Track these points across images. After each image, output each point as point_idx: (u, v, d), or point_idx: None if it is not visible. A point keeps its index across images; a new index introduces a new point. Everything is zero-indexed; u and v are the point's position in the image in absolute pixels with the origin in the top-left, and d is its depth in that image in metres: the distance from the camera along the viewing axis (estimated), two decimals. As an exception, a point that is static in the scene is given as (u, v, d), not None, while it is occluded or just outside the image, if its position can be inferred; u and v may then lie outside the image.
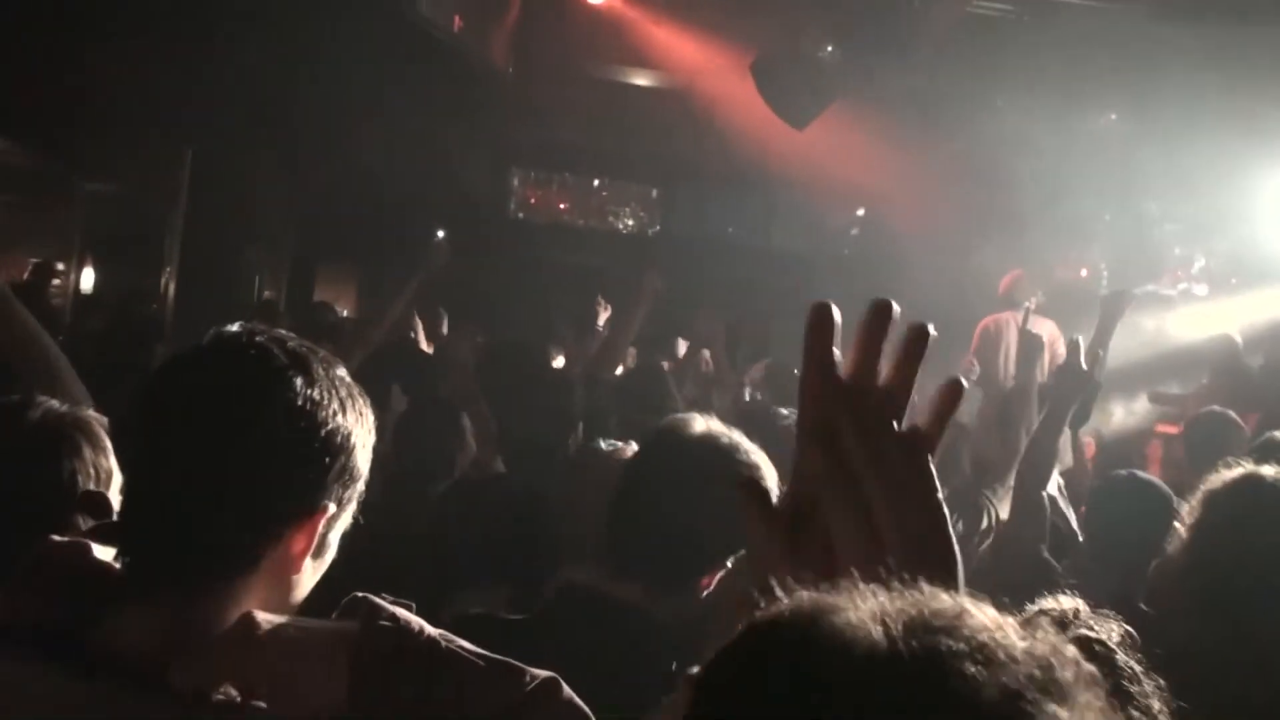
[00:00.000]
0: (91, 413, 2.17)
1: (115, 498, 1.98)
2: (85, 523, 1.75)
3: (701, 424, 2.35)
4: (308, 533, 1.42)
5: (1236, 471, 2.44)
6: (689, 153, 11.58)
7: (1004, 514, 4.10)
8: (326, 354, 1.49)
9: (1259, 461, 2.50)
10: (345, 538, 1.52)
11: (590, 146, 12.25)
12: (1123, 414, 7.32)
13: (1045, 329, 8.63)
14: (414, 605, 1.40)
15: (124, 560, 1.42)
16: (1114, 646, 1.21)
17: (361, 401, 1.49)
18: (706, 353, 6.99)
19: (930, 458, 0.98)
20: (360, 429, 1.47)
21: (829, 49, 8.62)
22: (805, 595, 0.73)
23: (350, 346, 4.49)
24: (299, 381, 1.41)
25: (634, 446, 2.90)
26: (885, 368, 1.00)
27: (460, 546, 3.45)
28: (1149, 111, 9.17)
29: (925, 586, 0.73)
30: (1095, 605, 1.18)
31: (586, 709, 1.39)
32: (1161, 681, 1.20)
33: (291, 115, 9.56)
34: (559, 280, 11.23)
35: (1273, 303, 8.15)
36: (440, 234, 5.98)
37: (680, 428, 2.36)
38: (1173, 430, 6.62)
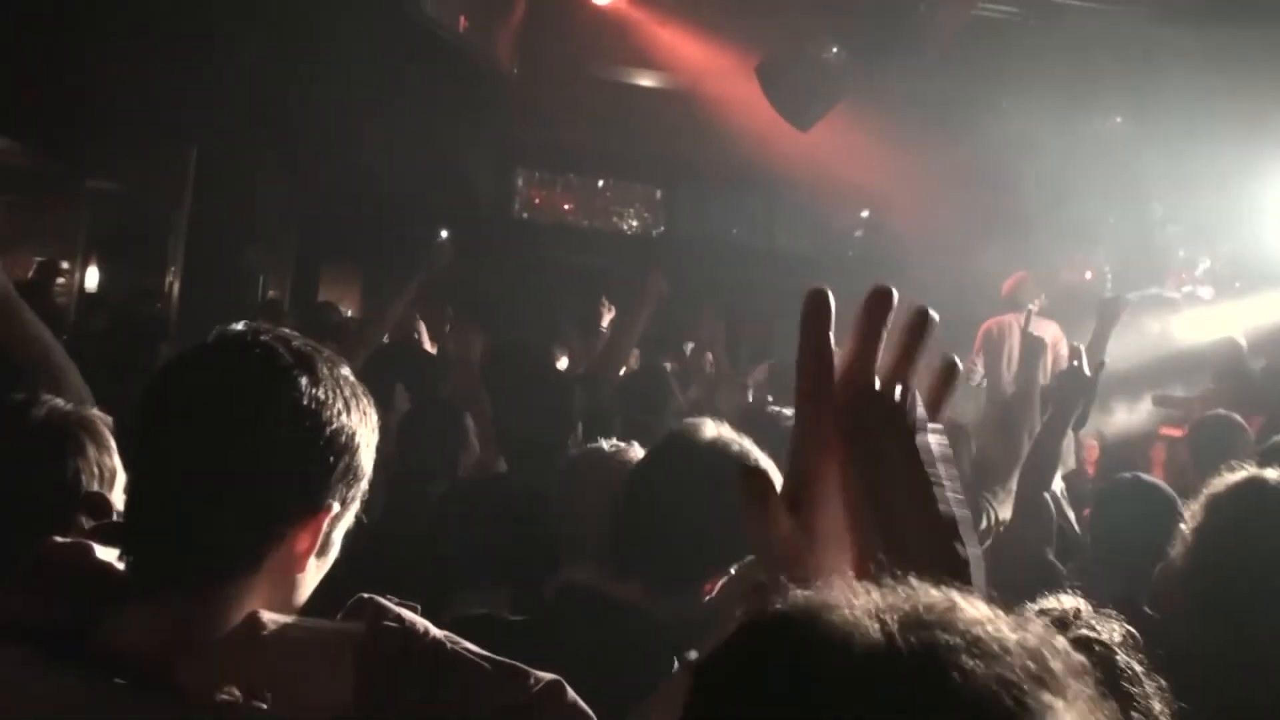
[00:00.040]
0: (96, 412, 2.18)
1: (119, 497, 1.98)
2: (87, 523, 1.75)
3: (712, 429, 2.35)
4: (312, 532, 1.43)
5: (1239, 475, 2.44)
6: (693, 154, 11.58)
7: (1004, 516, 4.10)
8: (331, 353, 1.49)
9: (1263, 465, 2.50)
10: (347, 537, 1.52)
11: (595, 147, 12.25)
12: (1126, 416, 7.31)
13: (1049, 331, 8.63)
14: (419, 607, 1.39)
15: (127, 559, 1.42)
16: (1114, 647, 1.20)
17: (365, 401, 1.49)
18: (710, 355, 6.99)
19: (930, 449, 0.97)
20: (364, 428, 1.47)
21: (834, 50, 8.61)
22: (800, 593, 0.73)
23: (353, 346, 4.50)
24: (304, 381, 1.41)
25: (636, 447, 2.91)
26: (886, 357, 0.97)
27: (461, 546, 3.45)
28: (1153, 114, 9.17)
29: (915, 582, 0.73)
30: (1099, 607, 1.18)
31: (590, 712, 1.38)
32: (1163, 682, 1.19)
33: (296, 114, 9.57)
34: (563, 281, 11.23)
35: (1276, 305, 8.14)
36: (444, 234, 5.97)
37: (691, 432, 2.37)
38: (1176, 433, 6.60)
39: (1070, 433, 5.01)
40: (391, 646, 1.32)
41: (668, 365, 6.92)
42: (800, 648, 0.70)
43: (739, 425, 2.48)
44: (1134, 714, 1.09)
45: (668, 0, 9.88)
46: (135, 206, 10.85)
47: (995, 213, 10.18)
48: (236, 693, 1.27)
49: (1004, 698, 0.65)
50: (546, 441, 4.12)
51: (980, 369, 8.69)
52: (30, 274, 9.71)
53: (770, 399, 5.85)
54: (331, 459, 1.42)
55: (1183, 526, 2.43)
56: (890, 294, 0.97)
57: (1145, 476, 4.00)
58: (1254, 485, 2.40)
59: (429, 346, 7.29)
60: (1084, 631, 1.28)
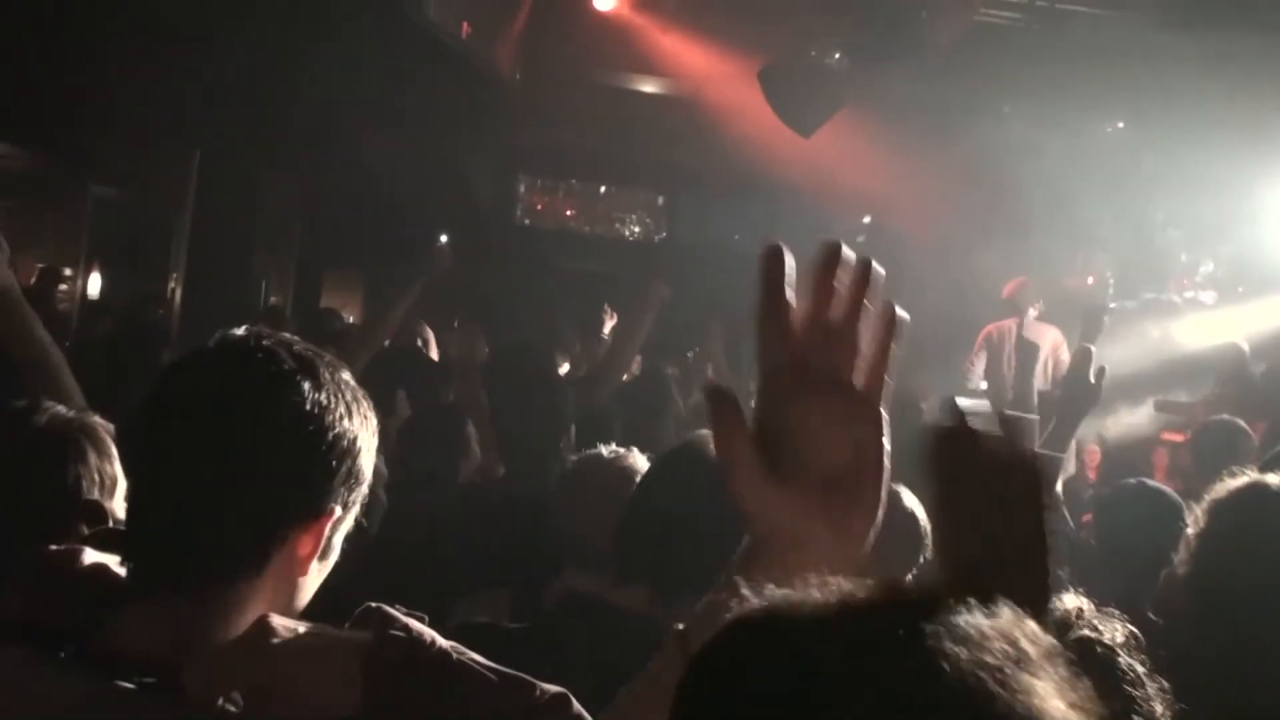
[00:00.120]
0: (97, 419, 2.18)
1: (120, 505, 1.99)
2: (85, 531, 1.75)
3: None
4: (314, 536, 1.43)
5: (1241, 480, 2.44)
6: (695, 159, 11.58)
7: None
8: (331, 358, 1.49)
9: (1266, 471, 2.50)
10: (349, 542, 1.52)
11: (597, 153, 12.26)
12: (1128, 421, 7.31)
13: (1050, 336, 8.65)
14: (426, 617, 1.39)
15: (128, 562, 1.42)
16: (1116, 648, 1.21)
17: (366, 405, 1.49)
18: (710, 366, 6.98)
19: (878, 405, 1.03)
20: (365, 432, 1.47)
21: (836, 56, 8.63)
22: (780, 590, 0.75)
23: (355, 351, 4.49)
24: (306, 385, 1.41)
25: (635, 452, 2.91)
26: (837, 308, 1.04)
27: (461, 552, 3.45)
28: (1154, 119, 9.18)
29: (891, 577, 0.76)
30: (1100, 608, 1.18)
31: None
32: (1165, 684, 1.20)
33: (298, 120, 9.57)
34: (564, 287, 11.23)
35: (1278, 310, 8.15)
36: (443, 238, 5.96)
37: (702, 443, 2.37)
38: (1178, 438, 6.61)
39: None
40: (398, 656, 1.32)
41: (671, 371, 6.91)
42: (787, 644, 0.71)
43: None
44: (1135, 716, 1.09)
45: (670, 6, 9.89)
46: (138, 211, 10.84)
47: (997, 218, 10.19)
48: (237, 697, 1.27)
49: (988, 681, 0.67)
50: (539, 443, 4.12)
51: (979, 370, 8.70)
52: (32, 280, 9.71)
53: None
54: (334, 463, 1.42)
55: (1188, 531, 2.42)
56: (839, 247, 1.04)
57: (1150, 482, 4.00)
58: (1256, 490, 2.40)
59: (434, 353, 7.29)
60: (1086, 632, 1.28)
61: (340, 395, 1.44)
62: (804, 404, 1.02)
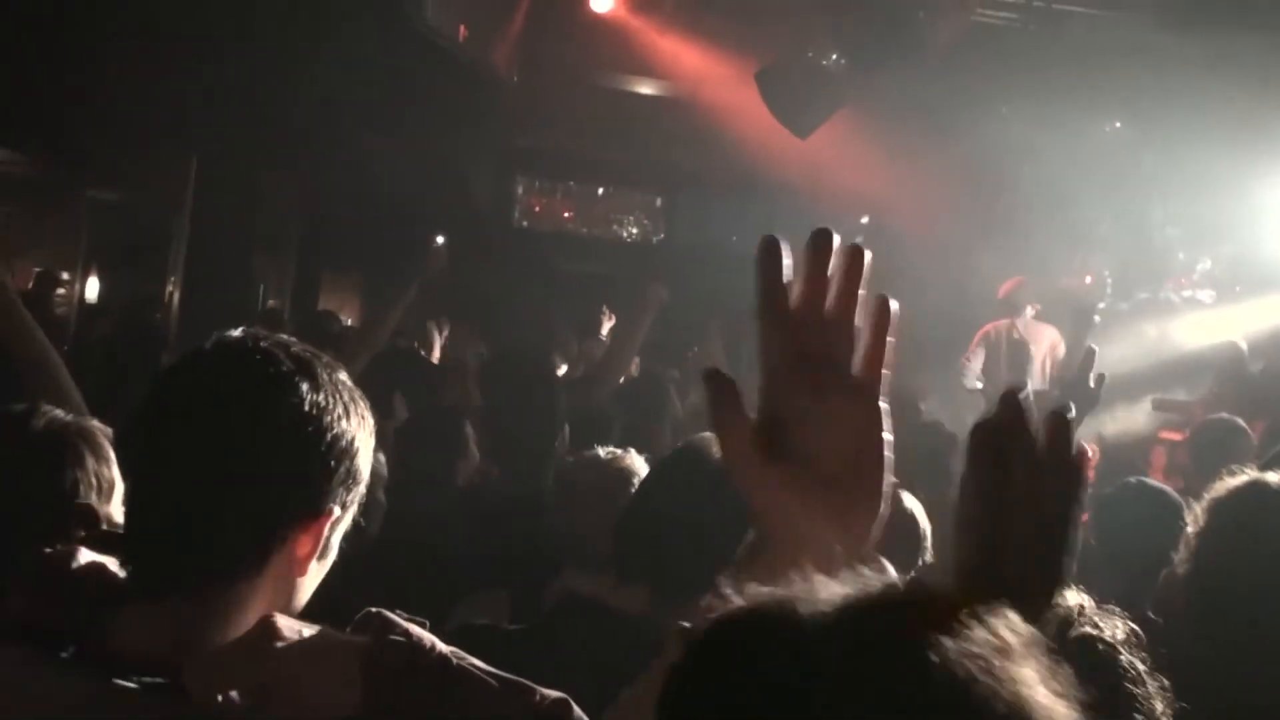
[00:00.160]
0: (95, 422, 2.17)
1: (117, 508, 1.98)
2: (79, 534, 1.75)
3: None
4: (313, 536, 1.43)
5: (1241, 478, 2.43)
6: (693, 161, 11.58)
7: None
8: (329, 358, 1.50)
9: (1265, 470, 2.50)
10: (349, 544, 1.52)
11: (594, 154, 12.26)
12: (1127, 420, 7.31)
13: (1047, 335, 8.66)
14: (428, 622, 1.40)
15: (128, 563, 1.43)
16: (1118, 646, 1.21)
17: (363, 405, 1.50)
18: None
19: (877, 397, 1.02)
20: (363, 433, 1.48)
21: (834, 57, 8.63)
22: (763, 590, 0.75)
23: (353, 353, 4.49)
24: (305, 386, 1.41)
25: (633, 453, 2.92)
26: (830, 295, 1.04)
27: (460, 554, 3.45)
28: (1153, 119, 9.18)
29: (871, 572, 0.76)
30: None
31: None
32: (1165, 682, 1.20)
33: (296, 122, 9.57)
34: (562, 288, 11.23)
35: (1276, 309, 8.15)
36: (439, 239, 5.96)
37: (703, 445, 2.37)
38: (1176, 437, 6.61)
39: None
40: (398, 660, 1.32)
41: (675, 373, 6.92)
42: (776, 641, 0.71)
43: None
44: (1137, 714, 1.10)
45: (667, 8, 9.90)
46: (136, 215, 10.85)
47: (995, 218, 10.20)
48: (235, 696, 1.27)
49: (973, 670, 0.68)
50: (535, 443, 4.12)
51: (975, 367, 8.72)
52: (29, 285, 9.70)
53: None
54: (332, 463, 1.42)
55: (1188, 530, 2.42)
56: (829, 234, 1.04)
57: (1150, 481, 4.00)
58: (1256, 489, 2.39)
59: (437, 354, 7.32)
60: (1087, 630, 1.27)
61: (338, 396, 1.45)
62: (803, 397, 1.01)
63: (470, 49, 8.97)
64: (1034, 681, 0.69)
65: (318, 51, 8.42)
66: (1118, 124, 9.99)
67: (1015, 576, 0.88)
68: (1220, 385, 6.81)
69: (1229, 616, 2.25)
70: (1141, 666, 1.29)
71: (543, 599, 2.63)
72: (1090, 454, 6.51)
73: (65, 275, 10.71)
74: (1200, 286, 9.72)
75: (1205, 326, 8.25)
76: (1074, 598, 1.37)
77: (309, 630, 1.35)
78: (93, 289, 11.20)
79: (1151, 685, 1.27)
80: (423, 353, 7.27)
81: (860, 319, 1.04)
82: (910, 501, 2.96)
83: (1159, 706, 1.26)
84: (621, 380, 5.63)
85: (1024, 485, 0.93)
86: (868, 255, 1.04)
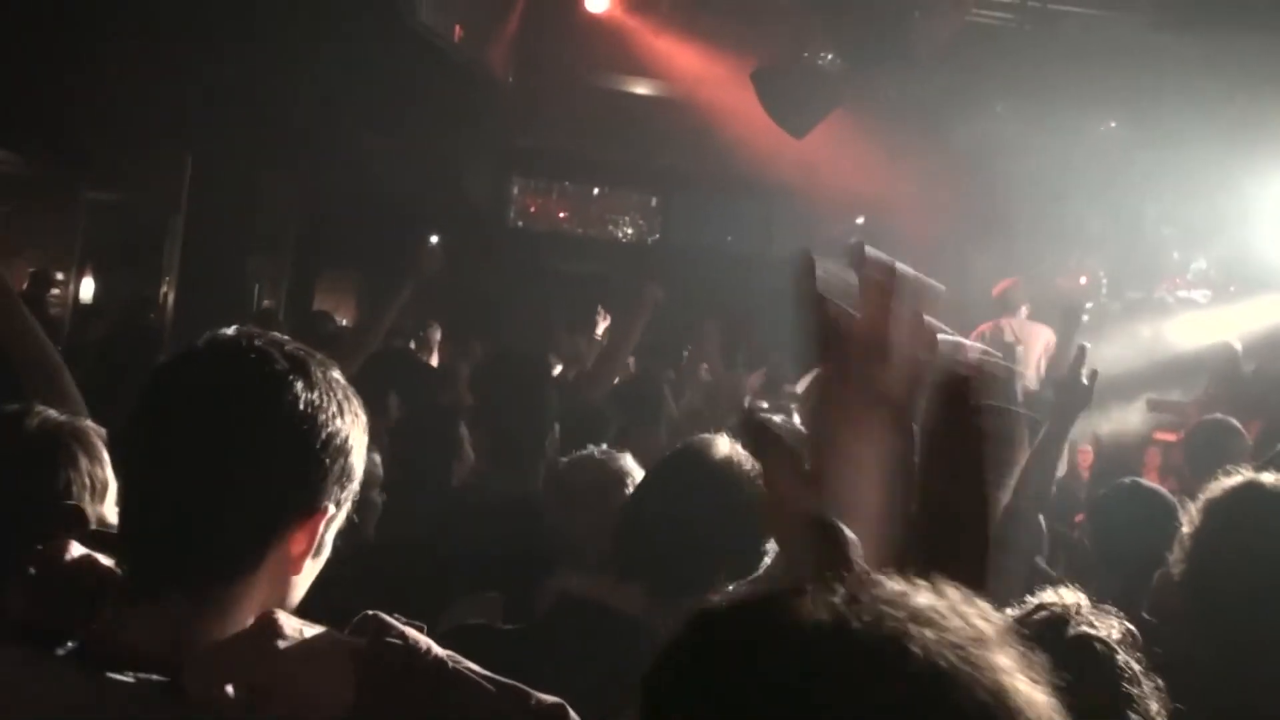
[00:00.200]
0: (89, 423, 2.17)
1: (110, 509, 1.98)
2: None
3: (726, 447, 2.35)
4: (308, 533, 1.44)
5: (1237, 479, 2.43)
6: (689, 161, 11.59)
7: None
8: (322, 356, 1.50)
9: (1260, 471, 2.49)
10: (345, 544, 1.52)
11: (590, 155, 12.26)
12: (1120, 421, 7.31)
13: (1042, 335, 8.67)
14: (425, 627, 1.40)
15: (125, 563, 1.43)
16: (1115, 646, 1.21)
17: (356, 403, 1.50)
18: (706, 365, 6.99)
19: (911, 420, 0.98)
20: (356, 430, 1.48)
21: (829, 58, 8.63)
22: (744, 587, 0.77)
23: (349, 353, 4.49)
24: (299, 385, 1.42)
25: (627, 455, 2.92)
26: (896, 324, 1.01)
27: (456, 554, 3.44)
28: (1148, 119, 9.20)
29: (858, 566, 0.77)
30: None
31: None
32: (1160, 683, 1.19)
33: (293, 123, 9.57)
34: (558, 288, 11.23)
35: (1270, 309, 8.16)
36: (433, 239, 5.97)
37: (703, 447, 2.37)
38: (1170, 437, 6.61)
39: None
40: (394, 662, 1.32)
41: (670, 374, 6.93)
42: (760, 635, 0.72)
43: (736, 433, 2.48)
44: (1133, 714, 1.10)
45: (663, 8, 9.90)
46: (132, 215, 10.83)
47: (991, 218, 10.21)
48: (232, 693, 1.27)
49: (954, 659, 0.68)
50: (523, 441, 4.11)
51: None
52: (24, 285, 9.69)
53: (765, 405, 5.85)
54: (327, 461, 1.43)
55: (1183, 531, 2.42)
56: (862, 247, 1.01)
57: (1144, 482, 4.00)
58: (1251, 489, 2.39)
59: (435, 356, 7.33)
60: (1084, 629, 1.27)
61: (332, 394, 1.45)
62: (845, 422, 0.97)
63: (466, 49, 8.97)
64: (1012, 668, 0.70)
65: (315, 52, 8.42)
66: (1113, 123, 10.00)
67: (945, 547, 0.88)
68: (1215, 386, 6.81)
69: (1224, 617, 2.25)
70: (1137, 667, 1.29)
71: (537, 600, 2.63)
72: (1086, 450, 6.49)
73: (60, 275, 10.70)
74: (1195, 286, 9.73)
75: (1200, 327, 8.25)
76: (1070, 596, 1.37)
77: (310, 629, 1.35)
78: (88, 289, 11.18)
79: (1147, 686, 1.27)
80: (420, 354, 7.27)
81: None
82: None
83: (1154, 707, 1.26)
84: (617, 380, 5.63)
85: (932, 451, 0.93)
86: (903, 270, 1.03)
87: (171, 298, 10.48)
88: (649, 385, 5.52)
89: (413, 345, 7.64)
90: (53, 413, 2.14)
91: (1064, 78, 8.94)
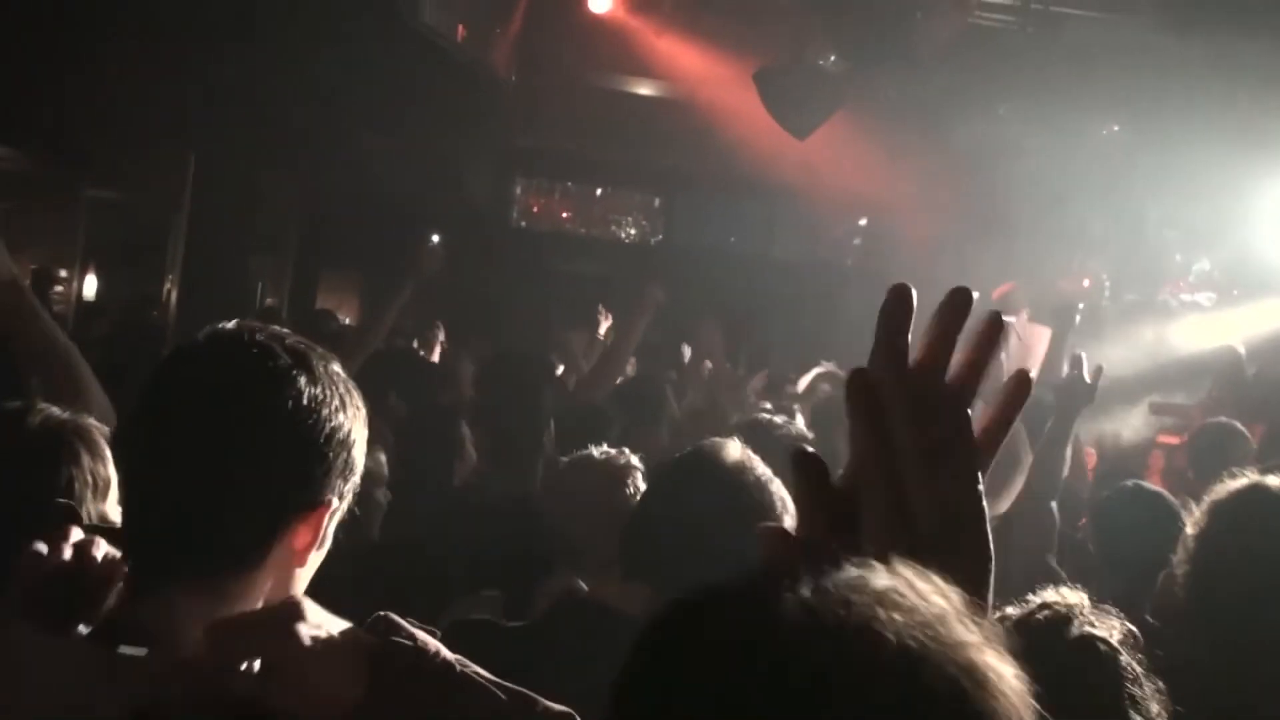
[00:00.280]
0: (92, 420, 2.17)
1: (113, 507, 1.98)
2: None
3: (737, 452, 2.34)
4: (312, 527, 1.44)
5: (1241, 481, 2.43)
6: (691, 162, 11.58)
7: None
8: (323, 351, 1.51)
9: (1265, 474, 2.49)
10: (345, 536, 1.52)
11: (593, 155, 12.26)
12: (1124, 424, 7.31)
13: (1044, 338, 8.65)
14: (438, 632, 1.40)
15: (131, 557, 1.43)
16: (1118, 647, 1.20)
17: (357, 397, 1.51)
18: (709, 362, 6.98)
19: (980, 457, 0.96)
20: (358, 424, 1.49)
21: (832, 59, 8.63)
22: (713, 581, 0.78)
23: (350, 352, 4.49)
24: (302, 379, 1.43)
25: (628, 454, 2.92)
26: (956, 361, 0.97)
27: (457, 552, 3.45)
28: (1150, 121, 9.18)
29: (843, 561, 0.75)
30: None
31: None
32: (1161, 685, 1.19)
33: (295, 122, 9.57)
34: (560, 288, 11.23)
35: (1273, 312, 8.15)
36: (434, 239, 5.98)
37: (715, 450, 2.36)
38: (1174, 440, 6.60)
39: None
40: (403, 662, 1.32)
41: (672, 374, 6.92)
42: (728, 626, 0.73)
43: (739, 434, 2.48)
44: (1135, 714, 1.09)
45: (666, 9, 9.89)
46: (134, 213, 10.83)
47: (992, 220, 10.20)
48: (254, 668, 1.26)
49: (923, 638, 0.69)
50: (521, 440, 4.12)
51: None
52: (27, 283, 9.66)
53: (767, 407, 5.85)
54: (330, 455, 1.44)
55: (1188, 532, 2.42)
56: (969, 295, 0.96)
57: (1147, 485, 4.00)
58: (1256, 492, 2.39)
59: (436, 355, 7.33)
60: (1087, 629, 1.27)
61: (334, 388, 1.46)
62: (912, 459, 0.93)
63: (469, 49, 8.97)
64: (979, 643, 0.71)
65: (316, 52, 8.41)
66: (1115, 126, 9.99)
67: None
68: (1219, 389, 6.80)
69: (1227, 619, 2.24)
70: (1139, 669, 1.29)
71: (537, 599, 2.63)
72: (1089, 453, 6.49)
73: (63, 273, 10.69)
74: (1198, 289, 9.72)
75: (1203, 330, 8.24)
76: (1072, 596, 1.36)
77: (332, 620, 1.34)
78: (90, 287, 11.17)
79: (1148, 688, 1.26)
80: (422, 353, 7.27)
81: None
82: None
83: (1155, 709, 1.25)
84: (619, 381, 5.63)
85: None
86: (1009, 320, 0.99)
87: (174, 296, 10.49)
88: (650, 385, 5.52)
89: (415, 345, 7.63)
90: (55, 410, 2.14)
91: (1066, 80, 8.93)
